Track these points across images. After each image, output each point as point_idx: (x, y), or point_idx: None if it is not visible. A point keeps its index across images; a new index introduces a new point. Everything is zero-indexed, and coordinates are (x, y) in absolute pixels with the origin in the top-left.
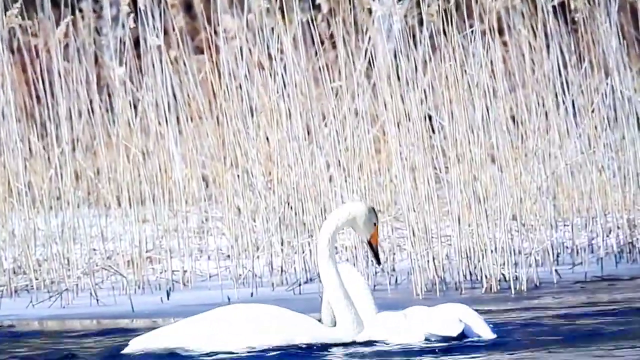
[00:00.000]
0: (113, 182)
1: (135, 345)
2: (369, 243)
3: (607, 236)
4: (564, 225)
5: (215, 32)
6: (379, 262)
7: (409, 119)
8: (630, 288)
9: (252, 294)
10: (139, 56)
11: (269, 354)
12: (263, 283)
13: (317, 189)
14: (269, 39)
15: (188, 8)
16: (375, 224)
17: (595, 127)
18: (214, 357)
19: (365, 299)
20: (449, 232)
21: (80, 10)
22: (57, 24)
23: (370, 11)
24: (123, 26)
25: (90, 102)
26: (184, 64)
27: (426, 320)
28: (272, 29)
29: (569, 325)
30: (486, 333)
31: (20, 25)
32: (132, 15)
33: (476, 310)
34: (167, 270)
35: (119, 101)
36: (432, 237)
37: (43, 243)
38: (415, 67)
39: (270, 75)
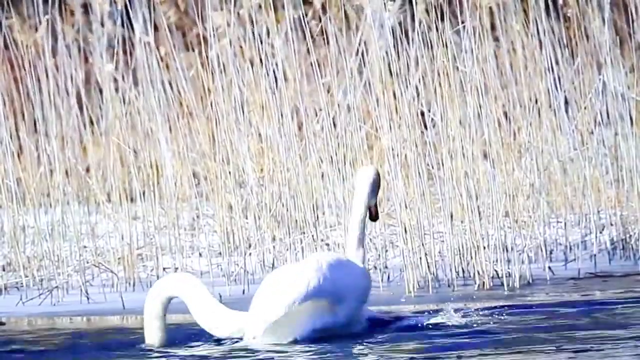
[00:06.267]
0: (103, 179)
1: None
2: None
3: (601, 233)
4: (557, 221)
5: (206, 29)
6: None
7: (401, 116)
8: (624, 284)
9: (244, 291)
10: (128, 52)
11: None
12: (255, 280)
13: (309, 185)
14: (260, 35)
15: (179, 4)
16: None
17: (588, 123)
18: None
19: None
20: (441, 229)
21: (63, 8)
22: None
23: (362, 8)
24: (115, 23)
25: (80, 98)
26: (174, 60)
27: None
28: (263, 24)
29: (562, 322)
30: None
31: (8, 23)
32: (108, 11)
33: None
34: (158, 267)
35: (109, 98)
36: (424, 233)
37: (33, 240)
38: (408, 63)
39: (261, 71)
